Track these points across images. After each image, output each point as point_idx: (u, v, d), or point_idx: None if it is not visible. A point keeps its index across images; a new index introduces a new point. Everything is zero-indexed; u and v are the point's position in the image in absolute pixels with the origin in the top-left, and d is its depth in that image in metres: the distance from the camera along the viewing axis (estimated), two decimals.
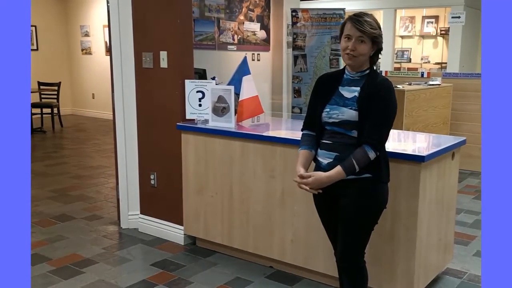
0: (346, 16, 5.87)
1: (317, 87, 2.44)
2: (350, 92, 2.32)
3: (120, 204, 4.18)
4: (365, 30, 2.21)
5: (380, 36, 2.27)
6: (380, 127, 2.24)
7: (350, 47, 2.24)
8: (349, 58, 2.28)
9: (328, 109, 2.32)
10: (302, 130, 2.50)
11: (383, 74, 6.82)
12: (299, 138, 2.56)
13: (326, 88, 2.39)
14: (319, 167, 2.39)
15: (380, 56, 2.39)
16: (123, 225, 4.19)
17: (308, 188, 2.28)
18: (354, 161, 2.20)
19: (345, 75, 2.37)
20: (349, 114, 2.26)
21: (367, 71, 2.33)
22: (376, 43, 2.27)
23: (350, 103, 2.28)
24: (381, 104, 2.23)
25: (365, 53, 2.26)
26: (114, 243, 3.90)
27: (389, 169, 2.38)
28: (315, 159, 2.43)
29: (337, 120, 2.28)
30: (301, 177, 2.30)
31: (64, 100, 10.41)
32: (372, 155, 2.22)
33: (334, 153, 2.29)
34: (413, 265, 2.77)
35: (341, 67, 6.07)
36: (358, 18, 2.24)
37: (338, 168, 2.22)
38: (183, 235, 3.83)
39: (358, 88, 2.30)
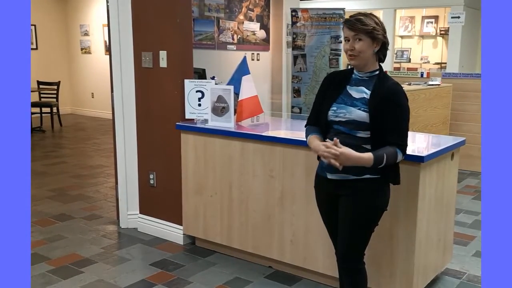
0: (345, 16, 5.87)
1: (325, 85, 2.44)
2: (358, 93, 2.31)
3: (119, 203, 4.18)
4: (357, 28, 2.23)
5: (376, 29, 2.25)
6: (405, 132, 2.28)
7: (349, 47, 2.27)
8: (351, 59, 2.30)
9: (335, 108, 2.32)
10: (306, 126, 2.50)
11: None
12: (299, 138, 2.56)
13: (334, 87, 2.38)
14: (321, 166, 2.39)
15: (388, 49, 2.36)
16: (122, 225, 4.18)
17: (332, 156, 2.15)
18: (384, 156, 2.20)
19: (353, 75, 2.37)
20: (357, 114, 2.26)
21: (377, 72, 2.33)
22: (375, 38, 2.26)
23: (359, 104, 2.28)
24: (399, 110, 2.26)
25: (364, 49, 2.25)
26: (113, 242, 3.90)
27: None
28: (318, 157, 2.43)
29: (343, 119, 2.28)
30: (335, 143, 2.18)
31: (64, 100, 10.41)
32: (400, 157, 2.26)
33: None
34: (412, 265, 2.77)
35: (341, 67, 6.07)
36: (350, 19, 2.28)
37: (369, 154, 2.19)
38: (182, 235, 3.83)
39: (367, 90, 2.30)
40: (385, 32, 2.30)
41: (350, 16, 2.32)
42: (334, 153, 2.14)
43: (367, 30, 2.23)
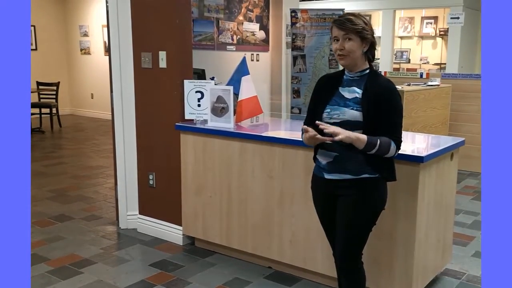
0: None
1: (318, 89, 2.46)
2: (350, 93, 2.33)
3: (118, 204, 4.18)
4: (347, 27, 2.25)
5: (365, 29, 2.27)
6: (399, 127, 2.30)
7: (338, 47, 2.27)
8: (340, 58, 2.31)
9: (328, 110, 2.33)
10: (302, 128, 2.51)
11: (382, 74, 6.82)
12: (298, 139, 2.56)
13: (326, 89, 2.40)
14: (319, 167, 2.40)
15: (376, 49, 2.40)
16: (121, 225, 4.18)
17: (332, 132, 2.18)
18: (378, 142, 2.22)
19: (345, 76, 2.39)
20: (351, 114, 2.27)
21: (367, 71, 2.34)
22: (364, 38, 2.27)
23: (351, 104, 2.29)
24: (393, 107, 2.28)
25: (353, 49, 2.27)
26: (112, 243, 3.90)
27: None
28: (314, 158, 2.44)
29: (338, 120, 2.29)
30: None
31: (63, 100, 10.40)
32: (393, 150, 2.27)
33: (334, 153, 2.30)
34: (412, 265, 2.77)
35: (340, 67, 6.08)
36: (339, 19, 2.30)
37: (364, 136, 2.21)
38: (181, 235, 3.83)
39: (358, 89, 2.31)
40: (373, 33, 2.34)
41: (339, 16, 2.33)
42: (331, 130, 2.18)
43: (357, 29, 2.25)
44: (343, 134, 2.18)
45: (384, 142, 2.24)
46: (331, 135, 2.21)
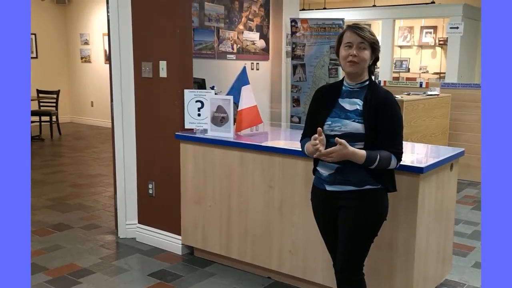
0: (345, 26, 5.90)
1: (316, 100, 2.45)
2: (351, 104, 2.32)
3: (118, 213, 4.17)
4: (365, 36, 2.25)
5: (379, 43, 2.32)
6: (399, 139, 2.30)
7: (352, 54, 2.26)
8: (351, 65, 2.28)
9: (329, 122, 2.32)
10: (301, 140, 2.51)
11: (382, 83, 6.84)
12: (298, 148, 2.56)
13: (325, 101, 2.39)
14: (319, 178, 2.39)
15: (377, 66, 2.43)
16: (120, 235, 4.17)
17: (326, 154, 2.19)
18: (378, 156, 2.21)
19: (344, 87, 2.38)
20: (353, 126, 2.26)
21: (367, 82, 2.34)
22: (375, 50, 2.30)
23: (353, 116, 2.29)
24: (393, 118, 2.28)
25: (366, 59, 2.28)
26: (111, 252, 3.88)
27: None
28: (315, 170, 2.43)
29: (339, 133, 2.27)
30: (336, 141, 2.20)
31: (63, 108, 10.41)
32: (394, 164, 2.27)
33: (335, 164, 2.29)
34: (412, 276, 2.76)
35: (340, 76, 6.10)
36: (358, 26, 2.30)
37: (363, 152, 2.21)
38: (181, 245, 3.82)
39: (359, 100, 2.31)
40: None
41: (353, 24, 2.33)
42: (322, 152, 2.19)
43: (373, 40, 2.27)
44: (334, 160, 2.20)
45: (384, 158, 2.23)
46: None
